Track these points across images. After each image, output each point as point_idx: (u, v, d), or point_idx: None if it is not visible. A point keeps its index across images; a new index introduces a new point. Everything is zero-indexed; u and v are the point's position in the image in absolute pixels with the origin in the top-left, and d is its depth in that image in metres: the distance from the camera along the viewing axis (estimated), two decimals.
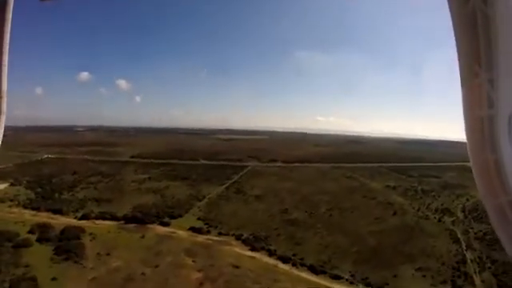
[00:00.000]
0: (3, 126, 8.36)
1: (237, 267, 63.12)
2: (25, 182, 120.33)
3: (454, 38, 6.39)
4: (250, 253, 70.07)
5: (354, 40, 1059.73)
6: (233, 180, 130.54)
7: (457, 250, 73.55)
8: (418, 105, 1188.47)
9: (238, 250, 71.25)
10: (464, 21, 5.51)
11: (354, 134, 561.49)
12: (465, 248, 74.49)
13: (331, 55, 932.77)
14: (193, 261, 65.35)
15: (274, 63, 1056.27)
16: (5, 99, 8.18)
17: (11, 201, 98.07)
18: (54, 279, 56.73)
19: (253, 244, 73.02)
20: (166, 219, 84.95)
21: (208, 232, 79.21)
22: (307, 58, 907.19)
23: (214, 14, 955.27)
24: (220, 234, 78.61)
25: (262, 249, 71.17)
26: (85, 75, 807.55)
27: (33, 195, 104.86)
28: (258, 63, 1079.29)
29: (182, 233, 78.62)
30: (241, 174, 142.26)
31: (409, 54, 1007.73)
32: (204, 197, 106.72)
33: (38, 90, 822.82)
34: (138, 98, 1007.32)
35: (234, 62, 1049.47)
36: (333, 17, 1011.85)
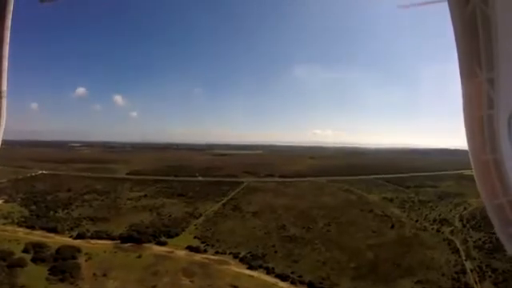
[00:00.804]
0: (3, 125, 8.40)
1: (235, 287, 62.40)
2: (19, 199, 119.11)
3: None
4: (248, 271, 69.33)
5: (353, 54, 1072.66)
6: (229, 196, 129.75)
7: (456, 260, 73.60)
8: (414, 114, 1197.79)
9: (235, 268, 70.48)
10: (464, 21, 6.00)
11: (351, 146, 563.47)
12: (464, 258, 74.61)
13: (329, 69, 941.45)
14: (190, 281, 64.63)
15: (272, 77, 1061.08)
16: (5, 99, 8.25)
17: (5, 218, 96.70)
18: None
19: (250, 262, 72.33)
20: (163, 238, 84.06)
21: (205, 251, 78.37)
22: (305, 72, 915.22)
23: (211, 28, 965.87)
24: (217, 252, 77.83)
25: (260, 267, 70.46)
26: (81, 91, 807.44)
27: (27, 213, 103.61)
28: (256, 76, 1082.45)
29: (179, 252, 77.80)
30: (237, 190, 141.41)
31: (406, 68, 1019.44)
32: (201, 214, 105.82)
33: (34, 106, 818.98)
34: (134, 114, 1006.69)
35: (231, 76, 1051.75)
36: (331, 32, 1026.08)
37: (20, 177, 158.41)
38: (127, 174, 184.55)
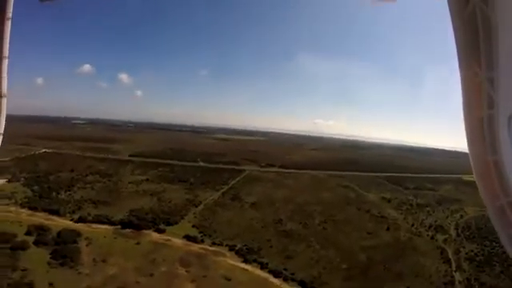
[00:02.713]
0: (3, 126, 8.90)
1: (229, 280, 64.20)
2: (22, 178, 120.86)
3: (452, 42, 6.66)
4: (242, 265, 70.95)
5: (357, 47, 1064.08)
6: (229, 185, 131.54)
7: (446, 270, 74.43)
8: (416, 113, 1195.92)
9: (230, 261, 72.13)
10: (464, 21, 6.04)
11: (352, 139, 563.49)
12: (454, 269, 75.39)
13: (333, 61, 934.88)
14: (186, 271, 66.35)
15: (276, 66, 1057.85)
16: (5, 100, 8.71)
17: (9, 199, 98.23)
18: (50, 285, 57.51)
19: (245, 256, 73.98)
20: (162, 226, 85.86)
21: (202, 241, 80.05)
22: (309, 62, 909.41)
23: (217, 15, 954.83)
24: (214, 243, 79.47)
25: (255, 261, 72.08)
26: (87, 67, 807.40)
27: (30, 193, 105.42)
28: (260, 65, 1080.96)
29: (176, 241, 79.55)
30: (238, 178, 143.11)
31: (409, 63, 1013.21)
32: (200, 202, 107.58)
33: (39, 81, 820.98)
34: (138, 93, 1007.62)
35: (236, 63, 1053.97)
36: (336, 24, 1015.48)
37: (23, 155, 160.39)
38: (130, 155, 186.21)
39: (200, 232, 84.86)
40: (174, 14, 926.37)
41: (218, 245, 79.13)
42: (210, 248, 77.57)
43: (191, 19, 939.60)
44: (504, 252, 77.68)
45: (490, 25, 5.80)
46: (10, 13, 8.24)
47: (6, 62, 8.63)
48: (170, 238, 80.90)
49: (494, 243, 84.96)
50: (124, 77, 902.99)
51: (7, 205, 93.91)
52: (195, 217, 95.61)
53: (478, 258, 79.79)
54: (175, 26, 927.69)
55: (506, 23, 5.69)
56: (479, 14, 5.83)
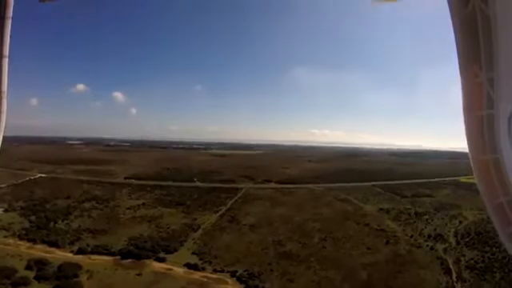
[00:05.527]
0: (4, 125, 9.09)
1: None
2: (19, 207, 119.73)
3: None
4: None
5: (351, 57, 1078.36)
6: (227, 206, 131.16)
7: (447, 281, 74.75)
8: (411, 119, 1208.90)
9: None
10: (464, 21, 6.06)
11: (348, 147, 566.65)
12: (455, 279, 75.69)
13: (328, 71, 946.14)
14: None
15: (271, 77, 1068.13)
16: (5, 100, 8.90)
17: (6, 230, 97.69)
18: None
19: (247, 281, 73.82)
20: (162, 254, 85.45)
21: (203, 269, 79.65)
22: (304, 73, 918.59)
23: (211, 28, 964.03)
24: (215, 270, 79.13)
25: (256, 287, 72.07)
26: (81, 87, 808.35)
27: (27, 224, 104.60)
28: (254, 77, 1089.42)
29: (178, 269, 79.11)
30: (235, 198, 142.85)
31: (404, 71, 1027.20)
32: (199, 227, 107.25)
33: (33, 101, 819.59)
34: (133, 111, 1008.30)
35: (231, 77, 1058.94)
36: (330, 34, 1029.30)
37: (19, 181, 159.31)
38: (126, 177, 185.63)
39: (200, 259, 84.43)
40: (167, 30, 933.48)
41: (220, 271, 78.77)
42: (212, 275, 77.21)
43: (184, 35, 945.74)
44: (504, 257, 78.81)
45: (490, 25, 5.87)
46: (10, 12, 8.42)
47: (6, 61, 8.80)
48: (171, 267, 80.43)
49: (493, 248, 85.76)
50: (118, 95, 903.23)
51: (5, 237, 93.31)
52: (194, 243, 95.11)
53: (478, 266, 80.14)
54: (169, 43, 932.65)
55: (506, 23, 5.78)
56: (479, 14, 5.90)
